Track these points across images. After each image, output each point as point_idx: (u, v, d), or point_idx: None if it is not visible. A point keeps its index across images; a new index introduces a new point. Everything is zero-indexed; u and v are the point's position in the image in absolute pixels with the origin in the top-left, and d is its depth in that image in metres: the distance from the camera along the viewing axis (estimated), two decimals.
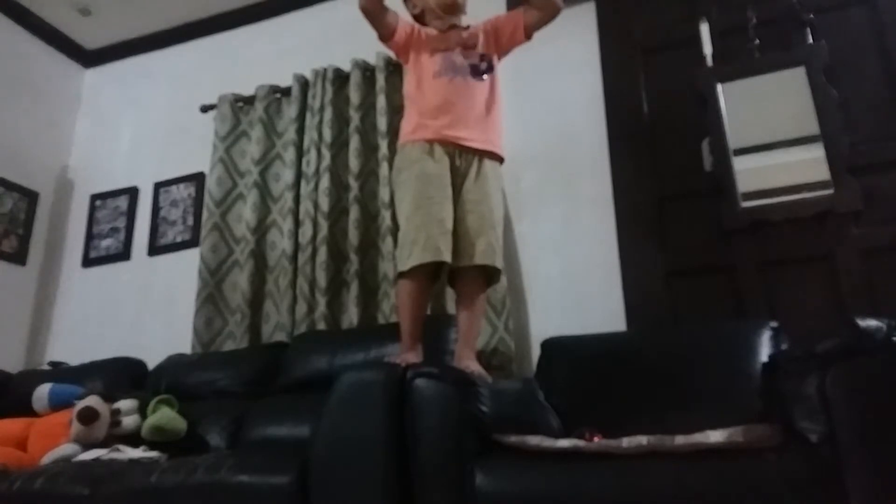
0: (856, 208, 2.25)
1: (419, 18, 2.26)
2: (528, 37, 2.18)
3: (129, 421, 2.26)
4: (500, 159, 2.17)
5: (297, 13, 3.48)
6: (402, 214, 2.06)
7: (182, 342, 2.92)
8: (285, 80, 3.18)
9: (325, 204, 2.85)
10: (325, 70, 3.08)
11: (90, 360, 2.86)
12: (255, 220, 3.00)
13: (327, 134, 2.96)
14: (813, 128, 2.33)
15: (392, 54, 2.38)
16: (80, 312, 3.41)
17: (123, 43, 3.83)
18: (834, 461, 1.24)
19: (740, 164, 2.39)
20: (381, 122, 2.88)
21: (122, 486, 1.77)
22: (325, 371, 2.29)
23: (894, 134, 2.31)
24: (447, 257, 1.95)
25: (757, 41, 2.45)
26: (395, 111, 2.84)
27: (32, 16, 3.59)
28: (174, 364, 2.75)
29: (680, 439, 1.36)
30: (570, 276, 2.61)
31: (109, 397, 2.30)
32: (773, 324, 1.92)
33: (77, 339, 3.32)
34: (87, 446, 2.18)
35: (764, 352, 1.82)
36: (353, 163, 2.87)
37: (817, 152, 2.31)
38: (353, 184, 2.84)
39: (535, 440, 1.53)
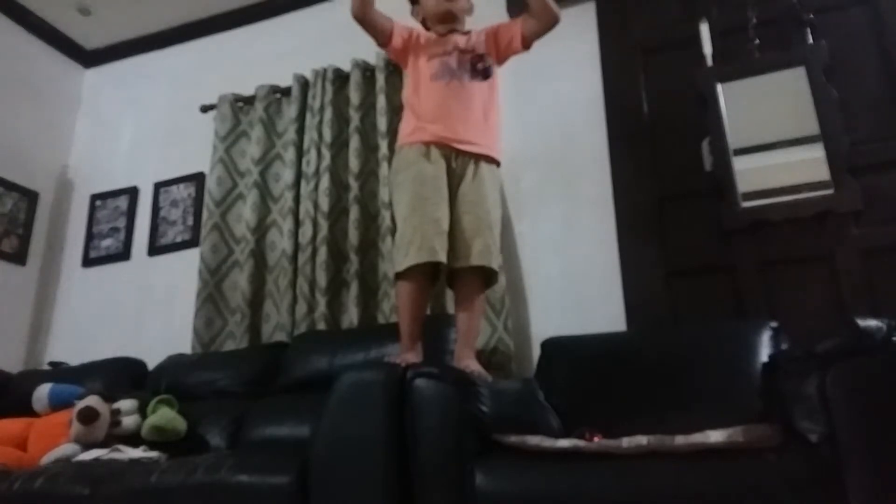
0: (856, 208, 2.25)
1: (425, 23, 2.28)
2: (527, 47, 2.18)
3: (129, 421, 2.26)
4: (497, 163, 2.18)
5: (296, 13, 3.48)
6: (399, 216, 2.08)
7: (182, 342, 2.92)
8: (285, 80, 3.18)
9: (325, 204, 2.85)
10: (325, 70, 3.08)
11: (90, 360, 2.86)
12: (255, 220, 3.00)
13: (327, 134, 2.96)
14: (813, 128, 2.33)
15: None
16: (80, 312, 3.40)
17: (123, 43, 3.83)
18: (834, 461, 1.24)
19: (740, 164, 2.39)
20: (381, 122, 2.88)
21: (122, 486, 1.77)
22: (325, 371, 2.29)
23: (894, 134, 2.31)
24: (442, 258, 1.96)
25: (757, 41, 2.45)
26: (395, 111, 2.84)
27: (32, 16, 3.59)
28: (174, 364, 2.75)
29: (680, 439, 1.36)
30: (570, 276, 2.61)
31: (109, 397, 2.30)
32: (773, 324, 1.92)
33: (77, 339, 3.32)
34: (87, 446, 2.18)
35: (764, 352, 1.82)
36: (353, 163, 2.87)
37: (817, 152, 2.31)
38: (353, 184, 2.84)
39: (535, 440, 1.53)
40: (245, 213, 3.04)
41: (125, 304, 3.30)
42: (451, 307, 2.50)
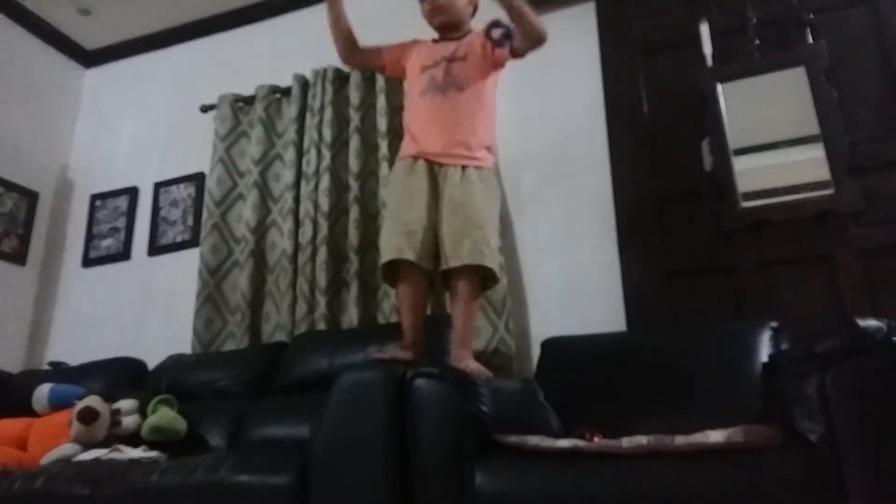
0: (856, 208, 2.25)
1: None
2: (519, 56, 2.18)
3: (129, 421, 2.26)
4: (490, 167, 2.19)
5: (296, 13, 3.48)
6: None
7: (182, 342, 2.92)
8: (285, 80, 3.18)
9: (325, 204, 2.85)
10: (325, 70, 3.08)
11: (90, 360, 2.86)
12: (255, 220, 3.00)
13: (327, 134, 2.96)
14: (813, 128, 2.33)
15: None
16: (80, 312, 3.40)
17: (123, 43, 3.83)
18: (834, 461, 1.24)
19: (740, 164, 2.39)
20: (381, 122, 2.88)
21: (122, 486, 1.77)
22: (325, 371, 2.29)
23: (894, 134, 2.31)
24: (408, 255, 2.01)
25: (757, 41, 2.45)
26: (395, 111, 2.84)
27: (32, 16, 3.59)
28: (174, 364, 2.75)
29: (680, 439, 1.36)
30: (570, 276, 2.61)
31: (109, 397, 2.30)
32: (773, 324, 1.92)
33: (77, 339, 3.32)
34: (87, 446, 2.18)
35: (764, 352, 1.83)
36: (353, 163, 2.87)
37: (817, 152, 2.31)
38: (353, 184, 2.84)
39: (535, 440, 1.53)
40: (245, 213, 3.04)
41: (125, 304, 3.30)
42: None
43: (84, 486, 1.79)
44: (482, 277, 2.05)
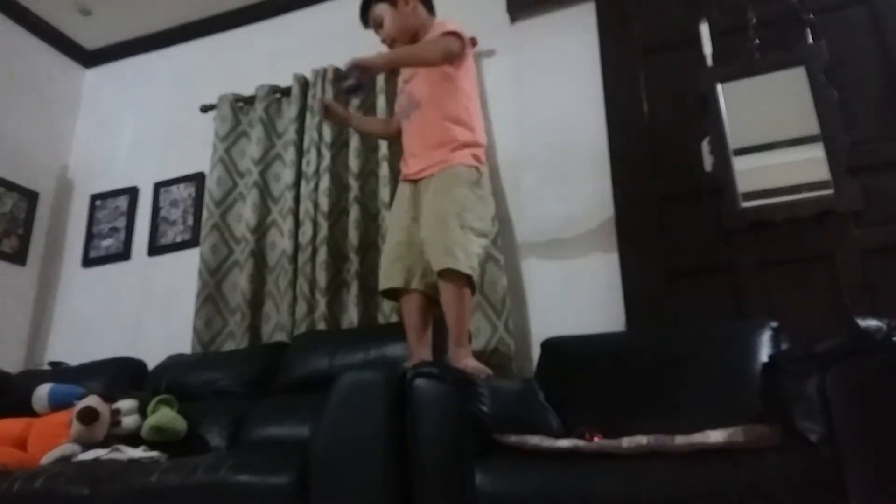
0: (856, 208, 2.25)
1: None
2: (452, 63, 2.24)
3: (129, 421, 2.26)
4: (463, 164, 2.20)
5: (297, 13, 3.48)
6: None
7: (182, 342, 2.92)
8: (285, 80, 3.18)
9: (325, 204, 2.85)
10: (325, 70, 3.08)
11: (90, 360, 2.86)
12: (255, 220, 3.00)
13: (327, 134, 2.96)
14: (813, 128, 2.32)
15: None
16: (80, 312, 3.40)
17: (123, 43, 3.83)
18: (834, 461, 1.24)
19: (740, 164, 2.39)
20: None
21: (122, 486, 1.77)
22: (325, 371, 2.29)
23: (894, 134, 2.31)
24: (396, 283, 2.15)
25: (757, 41, 2.45)
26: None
27: (32, 16, 3.59)
28: (174, 364, 2.75)
29: (680, 439, 1.36)
30: (570, 276, 2.60)
31: (109, 397, 2.30)
32: (773, 324, 1.92)
33: (77, 339, 3.32)
34: (87, 446, 2.18)
35: (764, 352, 1.83)
36: (353, 163, 2.87)
37: (817, 152, 2.30)
38: (353, 184, 2.84)
39: (535, 440, 1.53)
40: (245, 213, 3.04)
41: (125, 304, 3.30)
42: None
43: (84, 486, 1.79)
44: (466, 274, 2.04)
